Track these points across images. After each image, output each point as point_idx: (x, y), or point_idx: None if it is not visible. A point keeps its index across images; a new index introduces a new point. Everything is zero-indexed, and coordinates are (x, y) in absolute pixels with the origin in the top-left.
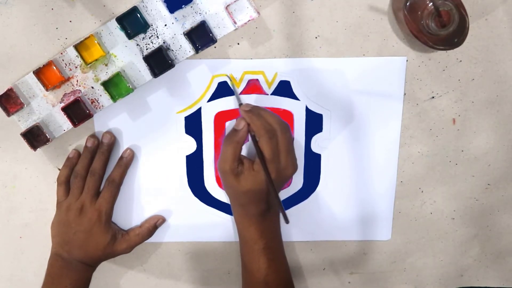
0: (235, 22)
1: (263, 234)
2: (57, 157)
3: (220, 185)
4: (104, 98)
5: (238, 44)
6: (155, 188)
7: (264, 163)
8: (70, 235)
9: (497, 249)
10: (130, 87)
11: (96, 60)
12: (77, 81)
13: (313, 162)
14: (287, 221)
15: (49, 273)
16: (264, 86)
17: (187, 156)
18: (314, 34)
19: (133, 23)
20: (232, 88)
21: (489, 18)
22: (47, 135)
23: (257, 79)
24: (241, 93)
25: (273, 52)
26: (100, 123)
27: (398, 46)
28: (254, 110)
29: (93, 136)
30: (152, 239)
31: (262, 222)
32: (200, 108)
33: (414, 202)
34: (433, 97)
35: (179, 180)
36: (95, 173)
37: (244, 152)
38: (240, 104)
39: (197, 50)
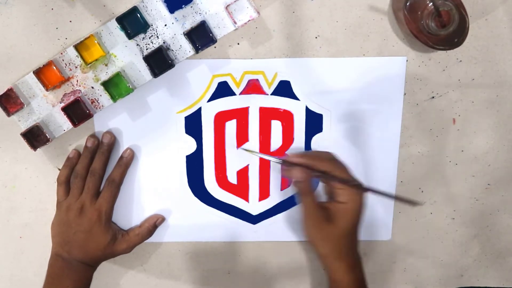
0: (235, 22)
1: (354, 268)
2: (57, 157)
3: (220, 185)
4: (104, 98)
5: (238, 44)
6: (155, 188)
7: (349, 183)
8: (70, 235)
9: (497, 249)
10: (130, 87)
11: (96, 60)
12: (77, 81)
13: None
14: (416, 203)
15: (50, 274)
16: (264, 86)
17: (187, 156)
18: (314, 34)
19: (133, 23)
20: (257, 154)
21: (489, 18)
22: (47, 135)
23: (257, 79)
24: (241, 93)
25: (273, 52)
26: (100, 123)
27: (398, 46)
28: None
29: (93, 136)
30: (152, 239)
31: (354, 257)
32: (200, 108)
33: None
34: (433, 97)
35: (179, 180)
36: (95, 173)
37: None
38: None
39: (197, 50)
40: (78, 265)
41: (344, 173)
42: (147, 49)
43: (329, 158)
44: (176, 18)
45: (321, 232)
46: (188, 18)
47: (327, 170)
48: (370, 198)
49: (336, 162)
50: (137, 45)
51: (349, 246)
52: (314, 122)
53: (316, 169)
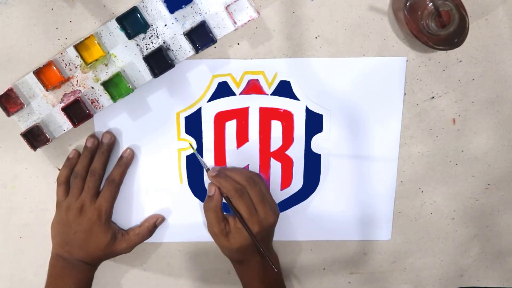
0: (235, 22)
1: (264, 280)
2: (57, 157)
3: None
4: (104, 98)
5: (238, 44)
6: (155, 187)
7: (242, 221)
8: (70, 235)
9: (497, 249)
10: (130, 87)
11: (96, 60)
12: (77, 81)
13: (313, 162)
14: (275, 269)
15: (51, 274)
16: (264, 86)
17: (187, 156)
18: (314, 34)
19: (133, 23)
20: (197, 156)
21: (489, 18)
22: (47, 135)
23: (257, 79)
24: (241, 93)
25: (273, 52)
26: (100, 123)
27: (398, 46)
28: (221, 173)
29: (93, 136)
30: (152, 239)
31: (263, 272)
32: (200, 108)
33: (414, 202)
34: (433, 97)
35: (179, 180)
36: (95, 173)
37: None
38: (207, 170)
39: (197, 50)
40: (80, 265)
41: (245, 208)
42: (147, 49)
43: (245, 180)
44: (176, 18)
45: (219, 242)
46: (188, 18)
47: (229, 196)
48: (370, 197)
49: (245, 192)
50: (137, 45)
51: (243, 255)
52: (314, 122)
53: (224, 194)
